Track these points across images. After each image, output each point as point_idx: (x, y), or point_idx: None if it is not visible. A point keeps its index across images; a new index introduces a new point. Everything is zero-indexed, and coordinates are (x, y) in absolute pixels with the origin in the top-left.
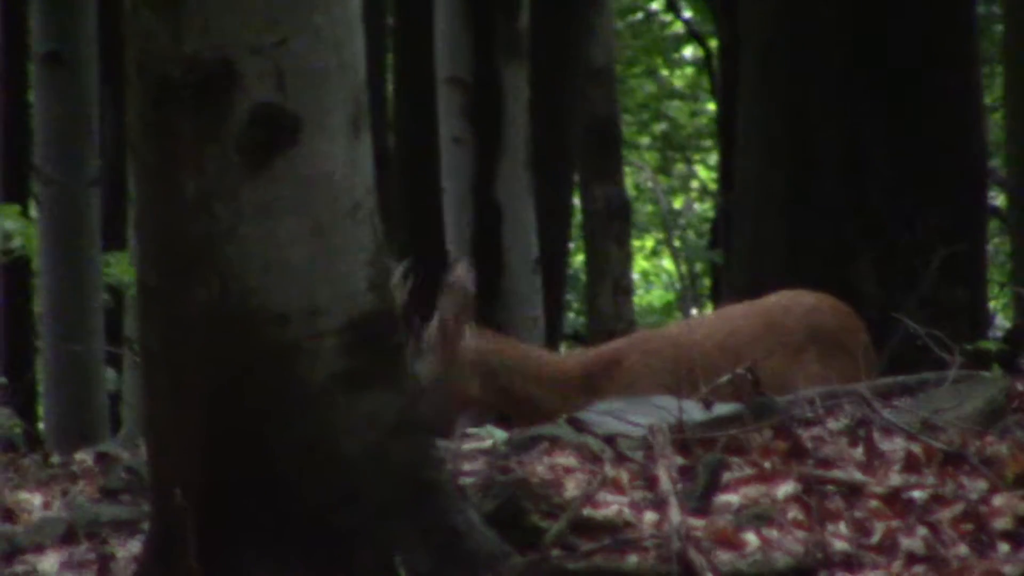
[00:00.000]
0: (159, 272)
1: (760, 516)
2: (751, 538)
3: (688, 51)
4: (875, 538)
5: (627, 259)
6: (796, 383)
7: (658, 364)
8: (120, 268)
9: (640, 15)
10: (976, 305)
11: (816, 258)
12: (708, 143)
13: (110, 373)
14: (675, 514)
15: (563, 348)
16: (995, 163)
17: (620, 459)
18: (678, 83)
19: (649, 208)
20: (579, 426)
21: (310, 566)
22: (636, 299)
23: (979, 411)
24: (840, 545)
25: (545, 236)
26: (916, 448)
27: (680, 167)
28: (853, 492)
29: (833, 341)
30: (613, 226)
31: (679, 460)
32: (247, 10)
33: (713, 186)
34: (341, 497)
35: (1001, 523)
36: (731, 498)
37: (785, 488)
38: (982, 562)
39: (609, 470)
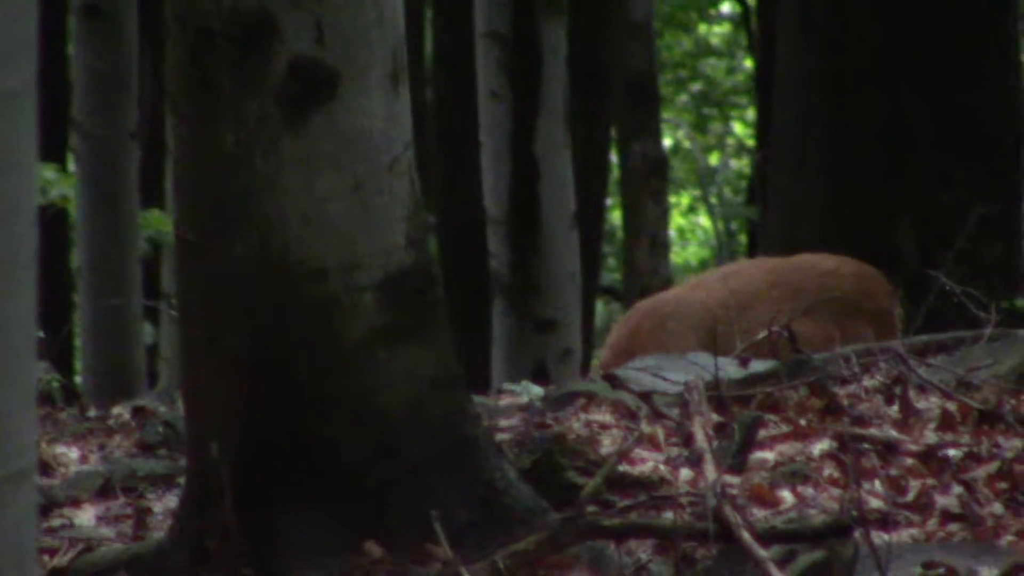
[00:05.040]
0: (197, 227)
1: (795, 473)
2: (786, 495)
3: (725, 7)
4: (910, 496)
5: (664, 215)
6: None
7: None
8: (156, 221)
9: None
10: (1010, 262)
11: (853, 216)
12: (744, 100)
13: (146, 327)
14: (711, 471)
15: (599, 304)
16: None
17: (656, 416)
18: (715, 40)
19: (685, 165)
20: (615, 383)
21: (346, 521)
22: (673, 256)
23: (1014, 369)
24: (875, 503)
25: (582, 192)
26: (951, 406)
27: (716, 124)
28: (888, 450)
29: (851, 305)
30: (650, 182)
31: (715, 417)
32: None
33: (749, 143)
34: (378, 452)
35: None
36: (767, 455)
37: (820, 446)
38: (1017, 520)
39: (645, 427)
